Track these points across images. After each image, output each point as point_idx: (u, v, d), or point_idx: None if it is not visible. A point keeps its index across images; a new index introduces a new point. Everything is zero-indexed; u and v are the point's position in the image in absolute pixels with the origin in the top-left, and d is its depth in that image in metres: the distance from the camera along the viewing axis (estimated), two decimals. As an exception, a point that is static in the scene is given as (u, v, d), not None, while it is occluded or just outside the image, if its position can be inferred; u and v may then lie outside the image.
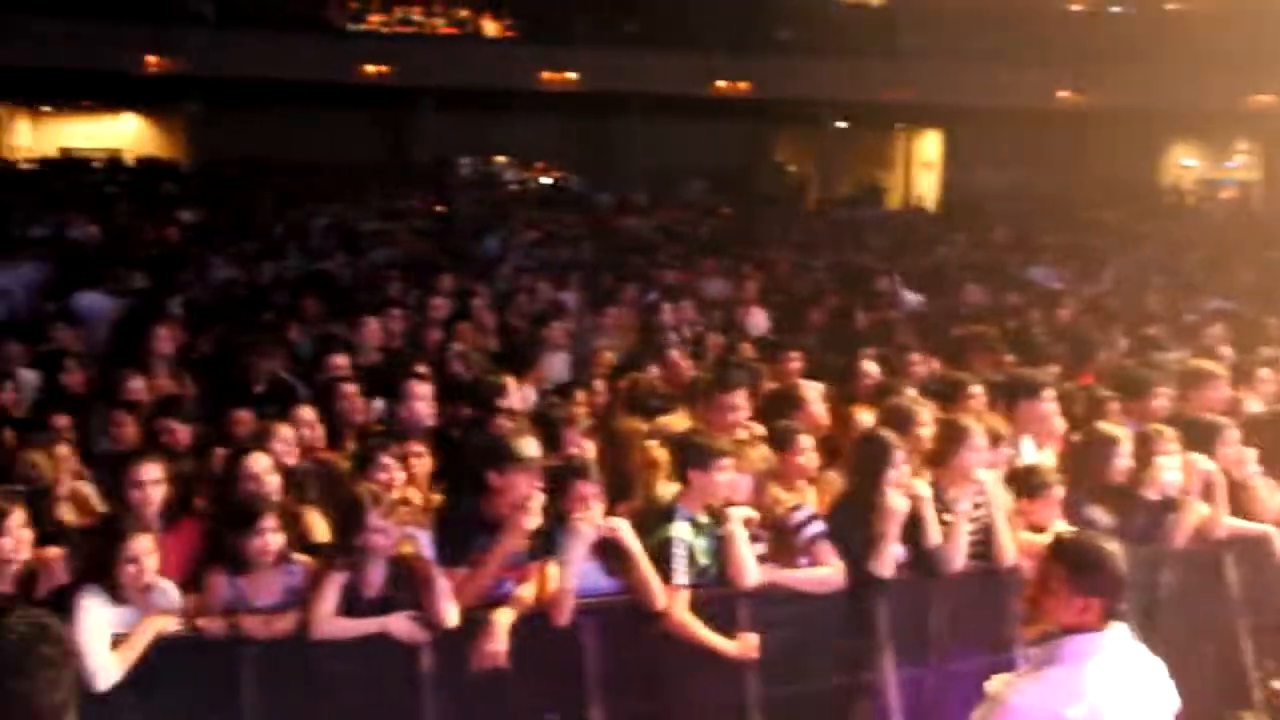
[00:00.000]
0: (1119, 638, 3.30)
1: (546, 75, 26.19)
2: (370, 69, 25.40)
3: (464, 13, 27.52)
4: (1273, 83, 24.14)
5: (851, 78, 26.05)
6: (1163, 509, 5.47)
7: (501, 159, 28.74)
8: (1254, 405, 7.14)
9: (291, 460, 5.50)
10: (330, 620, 4.39)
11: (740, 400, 5.92)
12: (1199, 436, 5.91)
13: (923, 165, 32.04)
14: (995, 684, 3.34)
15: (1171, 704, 3.37)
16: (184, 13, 24.39)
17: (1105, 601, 3.28)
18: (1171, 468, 5.49)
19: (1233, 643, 5.45)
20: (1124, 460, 5.56)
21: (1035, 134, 28.09)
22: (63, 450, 5.45)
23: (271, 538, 4.51)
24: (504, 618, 4.56)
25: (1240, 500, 5.83)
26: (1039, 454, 6.15)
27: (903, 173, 32.31)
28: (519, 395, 6.81)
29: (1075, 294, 11.64)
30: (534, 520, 4.65)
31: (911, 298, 11.65)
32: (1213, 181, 29.28)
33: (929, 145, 31.99)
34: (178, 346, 7.90)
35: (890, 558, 5.03)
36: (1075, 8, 28.67)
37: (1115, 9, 28.43)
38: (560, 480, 4.87)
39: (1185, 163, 30.37)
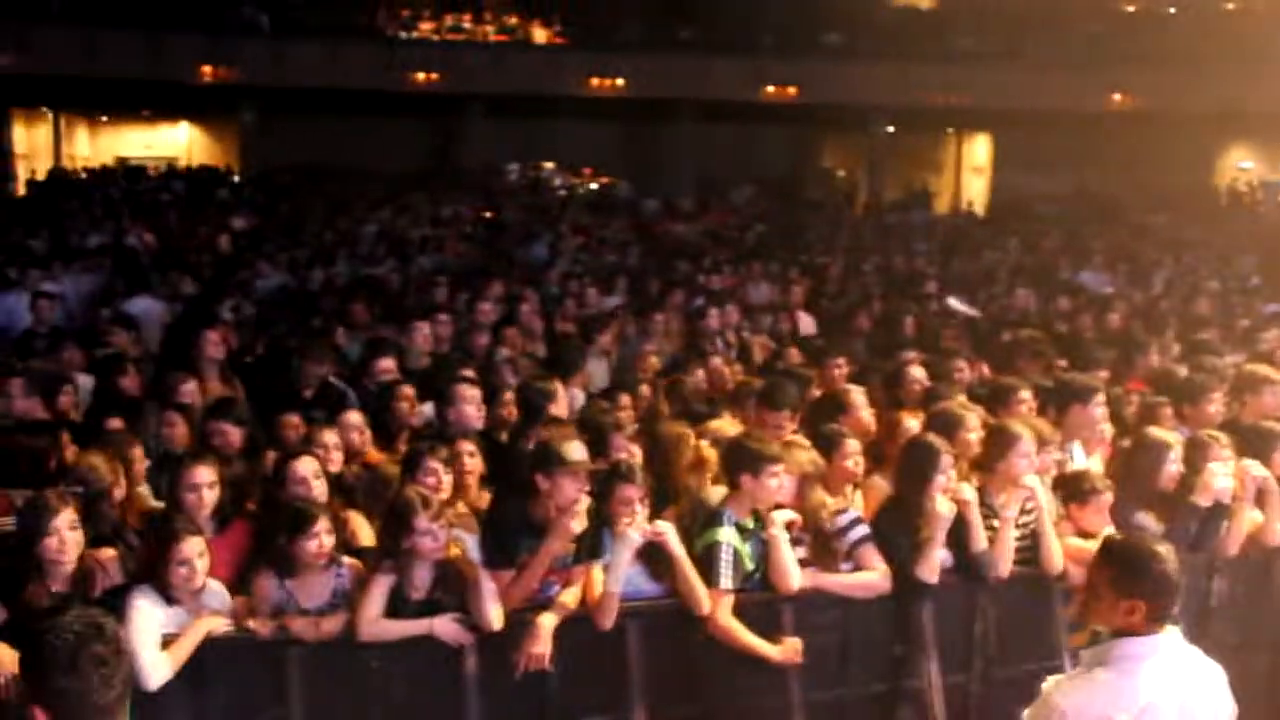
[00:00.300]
0: (1173, 642, 3.26)
1: (594, 81, 26.31)
2: (420, 77, 25.65)
3: (513, 20, 27.71)
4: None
5: (900, 81, 25.91)
6: (1214, 516, 5.39)
7: (549, 165, 28.89)
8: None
9: (337, 464, 5.56)
10: (377, 622, 4.43)
11: (786, 420, 5.91)
12: (1253, 443, 5.83)
13: (972, 169, 31.81)
14: (1048, 684, 3.33)
15: (1228, 709, 3.33)
16: (239, 23, 24.79)
17: (1152, 604, 3.23)
18: (1224, 474, 5.41)
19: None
20: (1175, 466, 5.50)
21: (1085, 137, 27.77)
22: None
23: (324, 540, 4.56)
24: (548, 621, 4.59)
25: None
26: (1088, 459, 6.09)
27: (952, 177, 32.09)
28: (565, 399, 6.83)
29: (1126, 299, 11.50)
30: (580, 524, 4.67)
31: (961, 306, 11.56)
32: (1269, 184, 28.76)
33: (978, 149, 31.76)
34: (228, 351, 8.01)
35: (936, 563, 5.00)
36: (1128, 9, 28.35)
37: (1168, 10, 28.05)
38: (606, 484, 4.89)
39: (1240, 165, 29.88)
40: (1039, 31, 26.36)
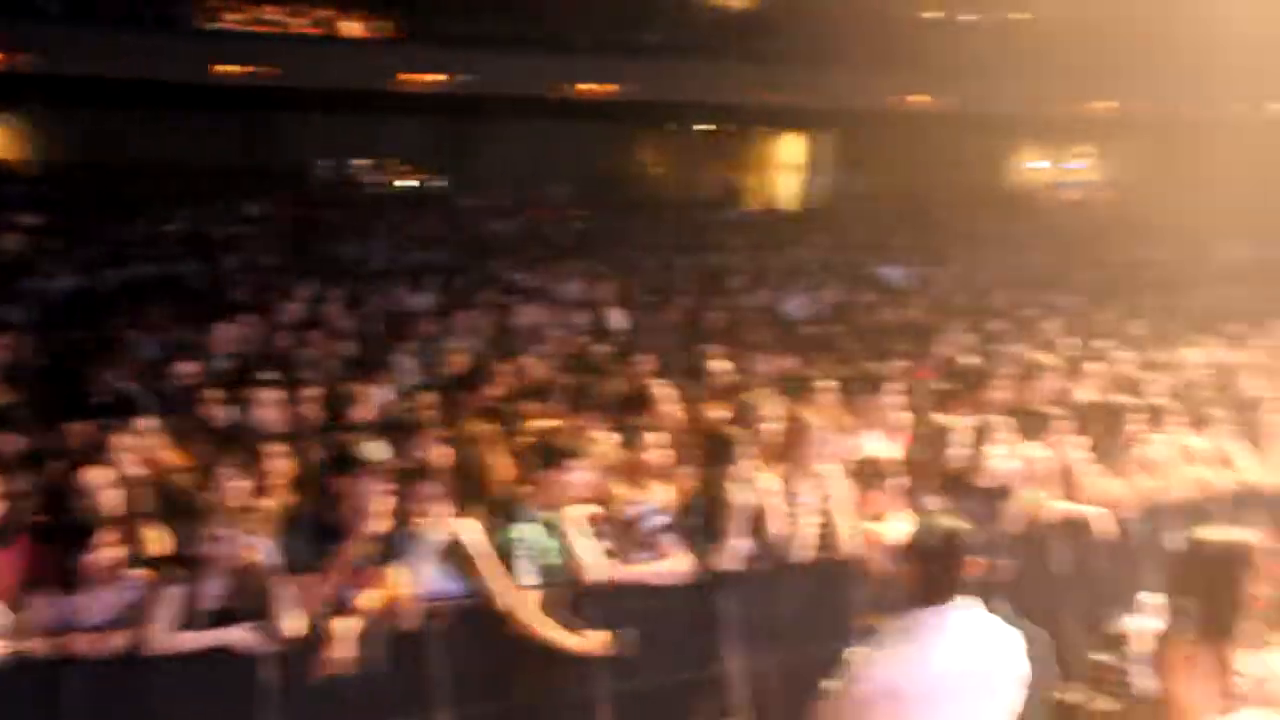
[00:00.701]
0: (964, 612, 3.45)
1: (409, 77, 25.87)
2: (226, 69, 24.74)
3: (326, 12, 27.01)
4: (1110, 89, 25.20)
5: (713, 81, 26.33)
6: (995, 496, 5.68)
7: (362, 162, 28.31)
8: (1086, 395, 7.47)
9: (130, 471, 5.35)
10: (167, 635, 4.28)
11: (593, 416, 5.97)
12: (1031, 426, 6.17)
13: (785, 168, 32.58)
14: (847, 654, 3.48)
15: (1021, 673, 3.52)
16: (29, 7, 23.43)
17: (937, 578, 3.44)
18: (1004, 456, 5.70)
19: (1060, 621, 5.69)
20: (959, 450, 5.76)
21: (891, 138, 28.79)
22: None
23: (107, 553, 4.38)
24: (349, 626, 4.52)
25: (1070, 486, 6.09)
26: (883, 446, 6.33)
27: (765, 175, 32.79)
28: (372, 399, 6.75)
29: (923, 291, 12.00)
30: (379, 525, 4.61)
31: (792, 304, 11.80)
32: (1056, 184, 30.41)
33: (791, 148, 32.55)
34: (13, 356, 7.61)
35: (735, 551, 5.12)
36: (929, 16, 29.48)
37: (966, 18, 29.31)
38: (408, 484, 4.84)
39: (1030, 166, 31.49)
40: (846, 35, 27.18)
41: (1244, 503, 6.43)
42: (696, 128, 29.73)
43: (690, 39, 27.24)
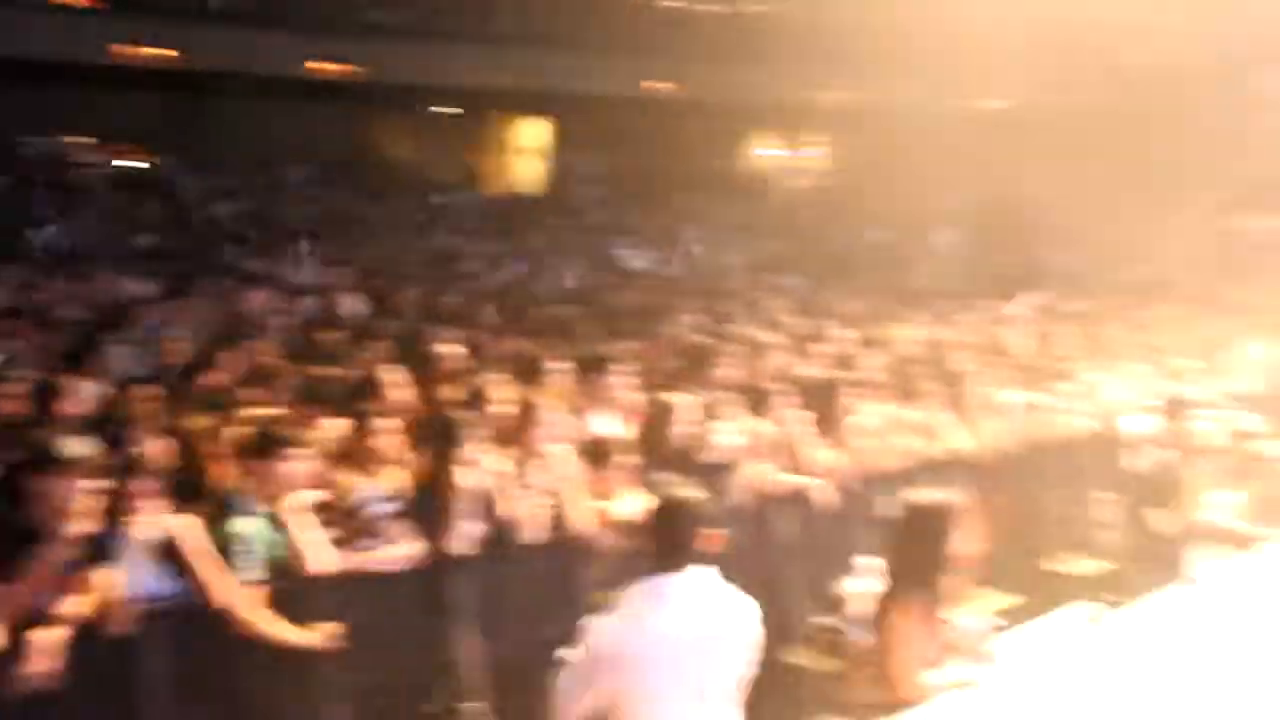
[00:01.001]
0: (692, 580, 3.55)
1: (128, 49, 24.34)
2: (-86, 38, 22.63)
3: (31, -22, 25.06)
4: (840, 80, 26.41)
5: (450, 64, 26.01)
6: (720, 470, 5.87)
7: (77, 139, 26.49)
8: (808, 371, 7.81)
9: None
10: None
11: (321, 404, 5.81)
12: (756, 402, 6.41)
13: (523, 152, 32.57)
14: (583, 624, 3.54)
15: (753, 638, 3.65)
16: None
17: (663, 547, 3.55)
18: (730, 432, 5.90)
19: (783, 588, 5.95)
20: (685, 427, 5.93)
21: (630, 123, 29.24)
22: None
23: None
24: (51, 634, 4.23)
25: (793, 458, 6.37)
26: (614, 426, 6.43)
27: (503, 159, 32.70)
28: (81, 393, 6.35)
29: (658, 273, 12.27)
30: (83, 526, 4.33)
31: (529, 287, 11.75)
32: (788, 170, 31.66)
33: (530, 132, 32.56)
34: None
35: (465, 534, 5.10)
36: (666, 3, 30.07)
37: (702, 6, 30.05)
38: (119, 480, 4.58)
39: (763, 152, 32.64)
40: (586, 19, 27.39)
41: (951, 469, 6.89)
42: (435, 110, 29.31)
43: (426, 20, 26.81)
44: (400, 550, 5.04)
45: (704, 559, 3.65)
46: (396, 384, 6.31)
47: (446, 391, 6.24)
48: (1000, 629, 6.09)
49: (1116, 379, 9.24)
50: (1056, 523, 7.64)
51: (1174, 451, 8.05)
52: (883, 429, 7.00)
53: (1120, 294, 15.29)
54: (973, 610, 4.87)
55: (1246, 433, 8.90)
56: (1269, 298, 14.44)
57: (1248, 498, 8.40)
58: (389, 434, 5.48)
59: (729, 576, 3.81)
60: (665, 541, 3.57)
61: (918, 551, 4.37)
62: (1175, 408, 8.58)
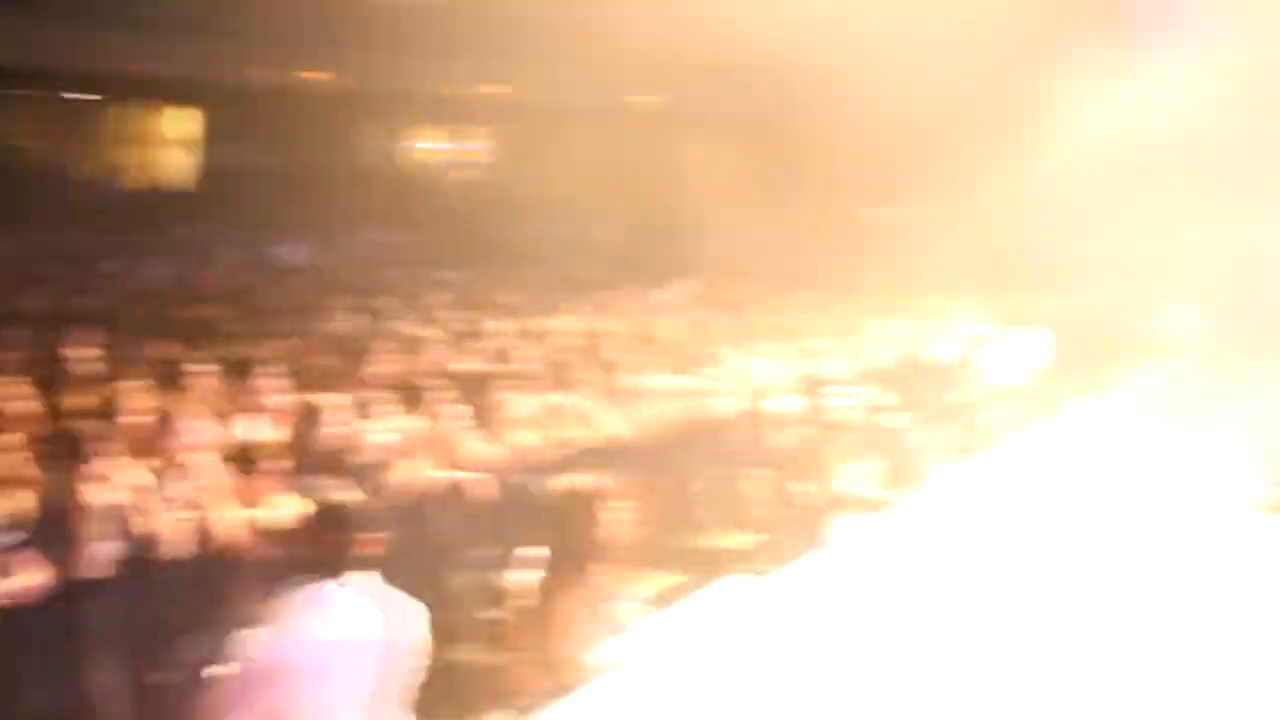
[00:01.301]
0: (355, 587, 3.46)
1: None
2: None
3: None
4: (500, 73, 26.52)
5: (93, 48, 24.14)
6: (374, 470, 5.75)
7: None
8: (464, 365, 7.80)
9: None
10: None
11: None
12: (410, 398, 6.32)
13: (172, 143, 30.77)
14: (233, 638, 3.38)
15: (413, 643, 3.59)
16: None
17: (322, 553, 3.45)
18: (381, 430, 5.79)
19: (447, 587, 5.91)
20: (335, 427, 5.77)
21: (283, 113, 28.18)
22: None
23: None
24: None
25: (449, 453, 6.33)
26: (262, 430, 6.17)
27: (154, 150, 30.76)
28: None
29: (313, 269, 11.91)
30: None
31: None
32: (448, 164, 31.50)
33: (178, 122, 30.79)
34: None
35: (99, 556, 4.75)
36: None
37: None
38: None
39: (423, 145, 32.30)
40: (239, 6, 26.13)
41: (607, 455, 7.06)
42: (71, 97, 27.11)
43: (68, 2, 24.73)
44: (22, 582, 4.61)
45: (362, 564, 3.57)
46: (13, 396, 5.78)
47: (74, 401, 5.77)
48: (658, 606, 6.36)
49: (761, 362, 9.79)
50: (710, 501, 8.00)
51: (813, 427, 8.66)
52: (539, 419, 7.09)
53: (764, 281, 16.23)
54: (631, 591, 5.03)
55: (877, 407, 9.71)
56: (893, 281, 15.79)
57: (879, 467, 9.16)
58: (5, 452, 5.01)
59: (390, 579, 3.76)
60: (320, 548, 3.47)
61: (572, 537, 4.47)
62: (813, 387, 9.23)
